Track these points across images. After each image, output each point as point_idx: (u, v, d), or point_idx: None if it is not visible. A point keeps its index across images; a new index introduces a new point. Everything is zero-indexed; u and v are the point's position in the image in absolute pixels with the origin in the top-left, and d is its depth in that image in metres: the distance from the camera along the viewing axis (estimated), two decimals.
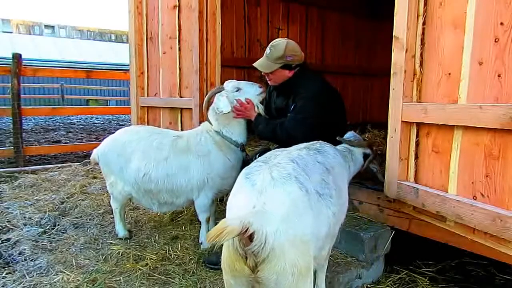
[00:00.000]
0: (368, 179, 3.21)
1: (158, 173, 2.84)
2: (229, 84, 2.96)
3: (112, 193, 3.12)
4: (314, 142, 2.11)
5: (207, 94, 3.81)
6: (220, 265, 1.55)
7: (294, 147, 1.99)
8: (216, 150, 2.89)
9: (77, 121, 13.24)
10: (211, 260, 2.61)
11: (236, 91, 2.92)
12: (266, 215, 1.37)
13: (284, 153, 1.79)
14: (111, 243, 3.03)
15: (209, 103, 3.00)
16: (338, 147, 2.38)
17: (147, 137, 2.95)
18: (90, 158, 3.17)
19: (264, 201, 1.42)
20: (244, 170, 1.68)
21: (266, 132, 2.89)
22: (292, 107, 2.90)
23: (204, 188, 2.89)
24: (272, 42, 2.96)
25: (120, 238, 3.12)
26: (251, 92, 2.95)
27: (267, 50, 2.93)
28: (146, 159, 2.86)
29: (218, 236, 1.23)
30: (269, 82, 3.07)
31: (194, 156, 2.87)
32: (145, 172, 2.85)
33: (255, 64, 2.99)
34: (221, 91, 2.95)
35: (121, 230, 3.16)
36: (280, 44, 2.88)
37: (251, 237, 1.31)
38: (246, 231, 1.28)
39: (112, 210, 3.21)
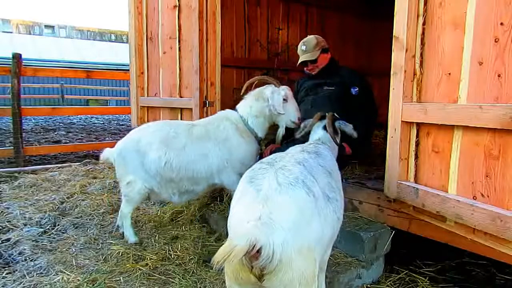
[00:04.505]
0: (368, 179, 3.21)
1: (179, 160, 2.86)
2: (285, 90, 3.02)
3: (127, 195, 2.98)
4: (308, 143, 2.08)
5: (207, 93, 3.84)
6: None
7: (292, 149, 1.95)
8: (237, 136, 2.98)
9: (77, 121, 13.24)
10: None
11: (284, 99, 2.99)
12: (272, 227, 1.32)
13: (289, 156, 1.75)
14: (111, 243, 3.03)
15: (250, 88, 3.15)
16: (311, 144, 2.19)
17: (161, 129, 2.98)
18: (101, 157, 3.05)
19: (270, 210, 1.35)
20: (247, 173, 1.62)
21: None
22: (353, 90, 3.31)
23: (225, 171, 2.96)
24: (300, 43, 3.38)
25: (134, 243, 2.98)
26: (291, 114, 3.02)
27: (302, 47, 3.34)
28: (165, 148, 2.87)
29: (226, 259, 1.18)
30: (312, 72, 3.44)
31: (213, 143, 2.93)
32: (166, 161, 2.86)
33: (302, 59, 3.34)
34: (274, 85, 3.01)
35: (131, 236, 3.03)
36: (308, 37, 3.38)
37: (258, 252, 1.27)
38: (253, 248, 1.23)
39: (112, 210, 3.19)
